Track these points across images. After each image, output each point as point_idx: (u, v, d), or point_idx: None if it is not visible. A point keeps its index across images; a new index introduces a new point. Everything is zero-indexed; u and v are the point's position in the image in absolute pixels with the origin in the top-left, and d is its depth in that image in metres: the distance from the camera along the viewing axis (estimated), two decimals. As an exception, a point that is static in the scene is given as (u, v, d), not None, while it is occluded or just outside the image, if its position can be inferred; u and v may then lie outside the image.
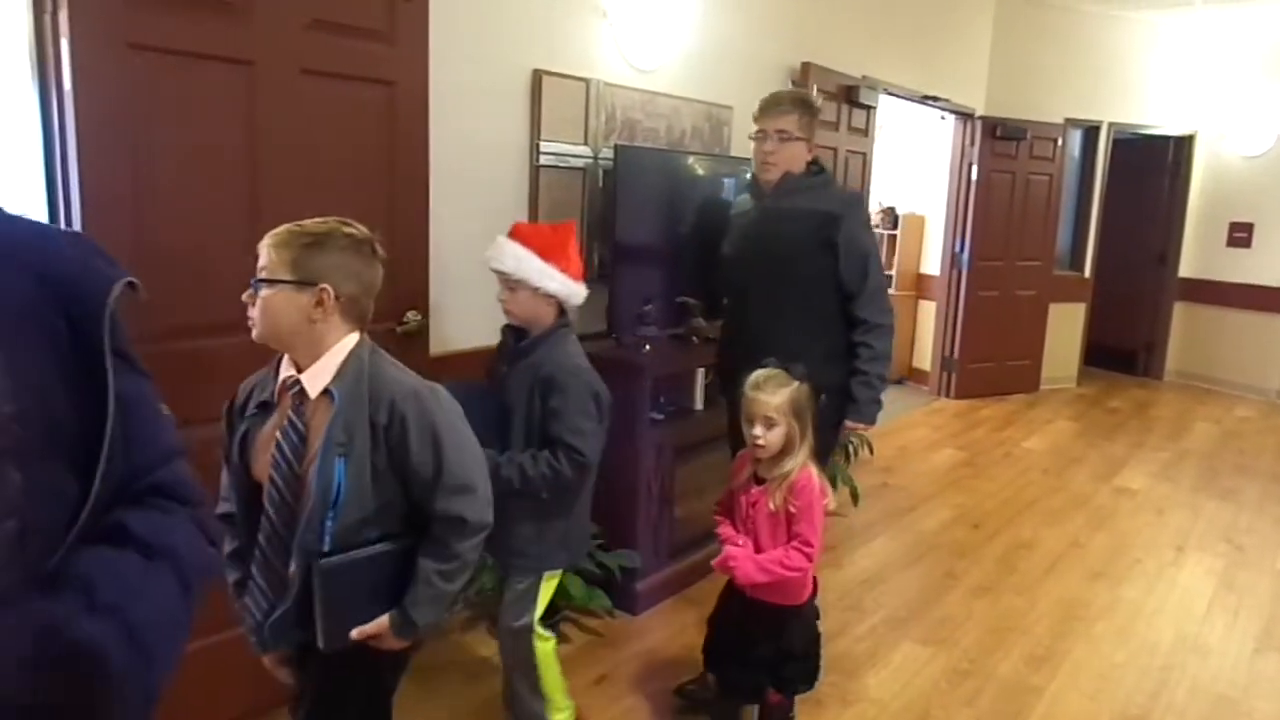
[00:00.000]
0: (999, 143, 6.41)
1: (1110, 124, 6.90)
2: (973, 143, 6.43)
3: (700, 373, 3.37)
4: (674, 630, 3.05)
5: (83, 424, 0.67)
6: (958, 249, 6.60)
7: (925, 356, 6.93)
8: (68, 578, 0.65)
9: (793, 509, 2.09)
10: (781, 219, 2.59)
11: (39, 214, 1.93)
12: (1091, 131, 6.94)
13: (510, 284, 2.10)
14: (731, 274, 2.77)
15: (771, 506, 2.11)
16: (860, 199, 2.80)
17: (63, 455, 0.65)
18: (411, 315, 2.56)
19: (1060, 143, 6.63)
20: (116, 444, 0.69)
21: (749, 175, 2.72)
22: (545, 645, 2.22)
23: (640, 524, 3.12)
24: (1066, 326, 7.11)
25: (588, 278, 2.20)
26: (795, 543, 2.09)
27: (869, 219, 2.66)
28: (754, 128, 2.64)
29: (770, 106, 2.61)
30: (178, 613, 0.75)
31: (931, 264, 6.89)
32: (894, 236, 6.92)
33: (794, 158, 2.60)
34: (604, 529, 3.02)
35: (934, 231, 6.84)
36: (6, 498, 0.61)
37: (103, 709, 0.64)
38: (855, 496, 4.17)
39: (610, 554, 3.00)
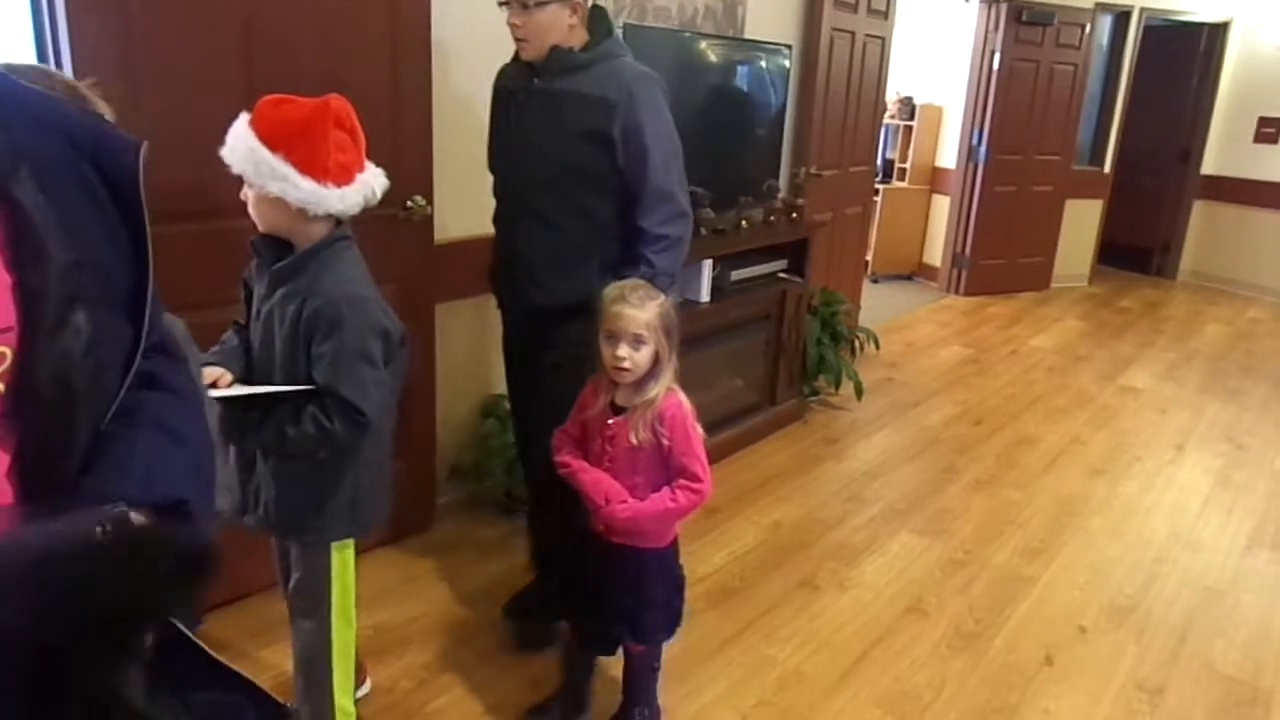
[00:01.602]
0: (1024, 29, 6.15)
1: (1142, 9, 6.59)
2: (996, 29, 6.16)
3: (707, 264, 3.33)
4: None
5: (127, 275, 0.71)
6: (975, 142, 6.42)
7: (936, 253, 6.84)
8: (142, 415, 0.73)
9: (664, 441, 1.79)
10: (549, 105, 2.09)
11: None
12: (1122, 17, 6.65)
13: (247, 181, 1.54)
14: (495, 173, 2.28)
15: (634, 439, 1.78)
16: (649, 78, 2.11)
17: (116, 301, 0.70)
18: (415, 201, 2.51)
19: (1088, 29, 6.36)
20: (156, 292, 0.74)
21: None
22: (346, 634, 1.78)
23: (644, 414, 3.13)
24: (1082, 224, 6.99)
25: (362, 172, 1.59)
26: (682, 480, 1.79)
27: (660, 103, 2.11)
28: None
29: None
30: (214, 448, 0.84)
31: (947, 157, 6.72)
32: (910, 128, 6.73)
33: (551, 27, 2.02)
34: (608, 419, 3.04)
35: (951, 123, 6.64)
36: (82, 339, 0.66)
37: (203, 525, 0.73)
38: (859, 391, 4.18)
39: (614, 443, 3.02)
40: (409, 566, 2.67)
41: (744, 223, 3.51)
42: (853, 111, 4.60)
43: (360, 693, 2.05)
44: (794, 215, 3.79)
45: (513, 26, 2.05)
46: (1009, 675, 2.38)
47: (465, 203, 2.72)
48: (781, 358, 3.85)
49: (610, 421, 1.82)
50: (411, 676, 2.22)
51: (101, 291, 0.69)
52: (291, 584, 1.78)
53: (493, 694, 2.17)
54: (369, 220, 2.36)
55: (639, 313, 1.75)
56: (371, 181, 1.60)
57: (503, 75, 2.24)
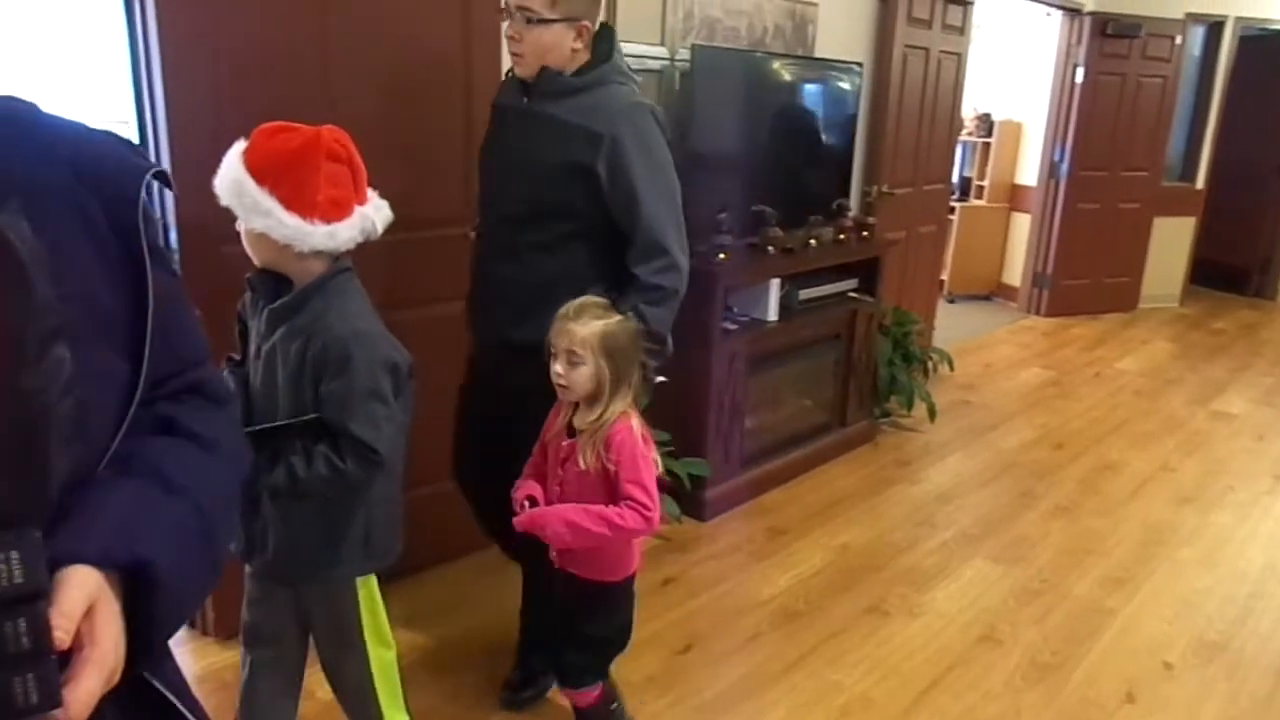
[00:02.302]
0: (1109, 41, 5.97)
1: (1237, 19, 6.33)
2: (1079, 42, 6.00)
3: (775, 283, 3.31)
4: (741, 538, 3.08)
5: (125, 311, 0.68)
6: (1057, 158, 6.24)
7: (1015, 272, 6.65)
8: (136, 461, 0.67)
9: (610, 466, 1.69)
10: (533, 129, 1.92)
11: (129, 123, 2.00)
12: (1215, 28, 6.39)
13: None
14: (481, 192, 2.09)
15: (581, 464, 1.71)
16: (642, 110, 1.93)
17: (109, 339, 0.67)
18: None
19: (1178, 41, 6.13)
20: (158, 331, 0.70)
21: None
22: (387, 654, 1.74)
23: (710, 433, 3.13)
24: (1172, 242, 6.71)
25: (361, 205, 1.51)
26: (627, 502, 1.68)
27: (653, 138, 1.92)
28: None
29: None
30: (231, 500, 0.78)
31: (1028, 174, 6.54)
32: (988, 145, 6.58)
33: (550, 47, 1.85)
34: (674, 436, 3.04)
35: (1032, 140, 6.47)
36: (61, 376, 0.61)
37: (184, 590, 0.67)
38: (932, 412, 4.09)
39: (680, 461, 3.02)
40: (465, 584, 2.70)
41: (813, 241, 3.48)
42: (927, 129, 4.53)
43: None
44: (865, 234, 3.74)
45: (510, 40, 1.88)
46: (1087, 711, 2.28)
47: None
48: (851, 378, 3.79)
49: (564, 443, 1.75)
50: (467, 692, 2.24)
51: (91, 327, 0.65)
52: (318, 628, 1.70)
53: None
54: (439, 240, 2.44)
55: (577, 329, 1.67)
56: (372, 215, 1.52)
57: (501, 90, 2.08)
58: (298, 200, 1.41)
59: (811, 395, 3.67)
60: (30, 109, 0.70)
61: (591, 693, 1.92)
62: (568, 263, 1.93)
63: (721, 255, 3.07)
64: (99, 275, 0.67)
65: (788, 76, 3.54)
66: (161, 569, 0.62)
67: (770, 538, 3.09)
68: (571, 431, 1.76)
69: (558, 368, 1.70)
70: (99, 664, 0.55)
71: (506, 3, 1.86)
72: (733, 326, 3.18)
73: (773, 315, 3.33)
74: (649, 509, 1.67)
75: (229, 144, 1.44)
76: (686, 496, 3.07)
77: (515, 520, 1.74)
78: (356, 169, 1.50)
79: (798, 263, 3.40)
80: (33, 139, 0.67)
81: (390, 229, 1.55)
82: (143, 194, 0.70)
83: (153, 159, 0.78)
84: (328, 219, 1.44)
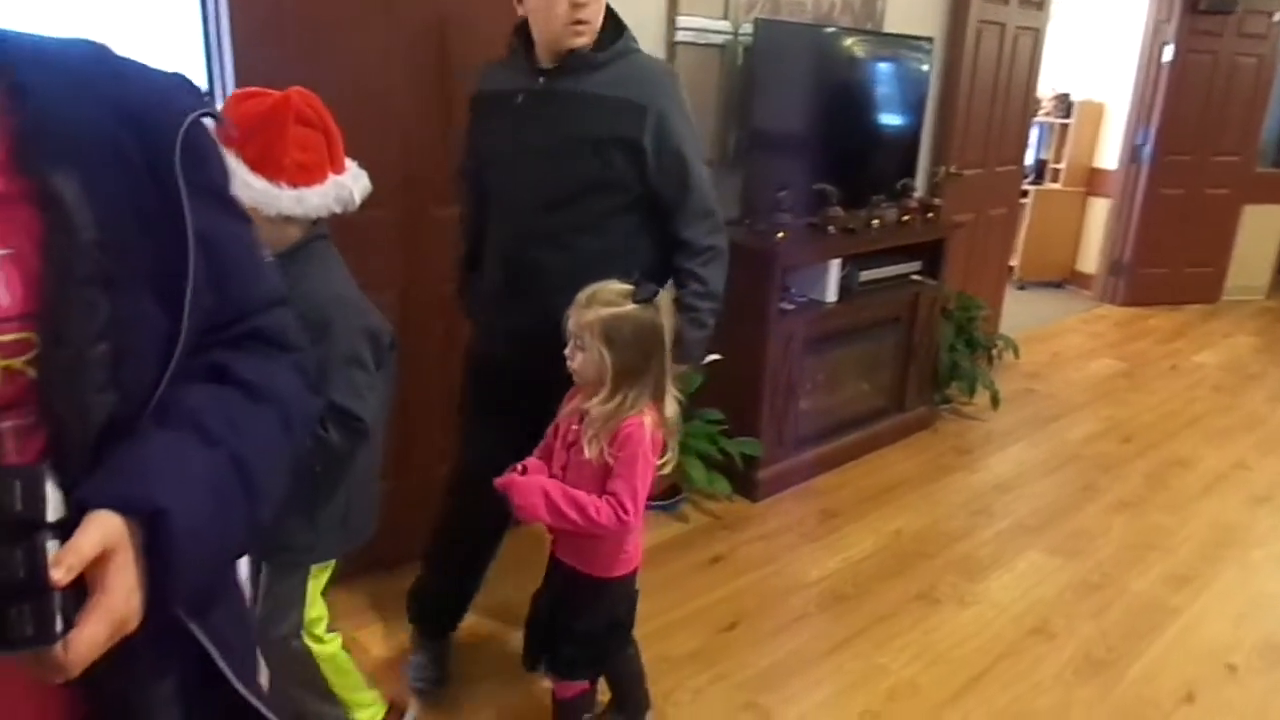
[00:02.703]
0: (1201, 18, 5.69)
1: (1343, -4, 5.97)
2: (1169, 18, 5.73)
3: (835, 264, 3.26)
4: (793, 519, 3.06)
5: (166, 258, 0.66)
6: (1140, 141, 6.00)
7: (1090, 259, 6.43)
8: (176, 410, 0.66)
9: (611, 460, 1.63)
10: (558, 109, 1.83)
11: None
12: (1318, 6, 6.04)
13: None
14: (482, 183, 1.98)
15: (587, 452, 1.64)
16: (675, 76, 1.95)
17: (148, 286, 0.65)
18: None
19: (1276, 19, 5.81)
20: (201, 278, 0.68)
21: (514, 45, 1.90)
22: (327, 647, 1.72)
23: (764, 414, 3.11)
24: (1264, 231, 6.39)
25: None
26: (609, 498, 1.62)
27: (686, 103, 1.90)
28: None
29: None
30: (280, 452, 0.75)
31: (1107, 158, 6.30)
32: (1065, 126, 6.35)
33: (601, 14, 1.82)
34: (727, 415, 3.04)
35: (1113, 121, 6.22)
36: (96, 322, 0.61)
37: (208, 542, 0.65)
38: (995, 400, 3.99)
39: (732, 440, 3.02)
40: (522, 551, 2.73)
41: (876, 222, 3.41)
42: (1000, 108, 4.39)
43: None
44: (930, 215, 3.65)
45: (578, 8, 1.75)
46: (1143, 709, 2.21)
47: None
48: (911, 363, 3.72)
49: (574, 427, 1.69)
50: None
51: (127, 274, 0.64)
52: (261, 611, 1.62)
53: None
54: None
55: (583, 314, 1.62)
56: (349, 184, 1.49)
57: (489, 77, 1.94)
58: (264, 162, 1.40)
59: (869, 378, 3.62)
60: (97, 50, 0.69)
61: (574, 687, 1.87)
62: (608, 241, 1.88)
63: (780, 234, 3.04)
64: (139, 221, 0.65)
65: (855, 52, 3.47)
66: (178, 518, 0.60)
67: (821, 520, 3.07)
68: (584, 416, 1.69)
69: (567, 349, 1.67)
70: (107, 610, 0.55)
71: None
72: (790, 307, 3.15)
73: (831, 296, 3.28)
74: (626, 511, 1.60)
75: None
76: (738, 476, 3.06)
77: (496, 480, 1.66)
78: (331, 135, 1.47)
79: (859, 243, 3.35)
80: (84, 80, 0.66)
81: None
82: (182, 135, 0.67)
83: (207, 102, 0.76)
84: (294, 183, 1.42)
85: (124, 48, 0.71)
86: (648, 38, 2.86)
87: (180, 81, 0.73)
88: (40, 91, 0.63)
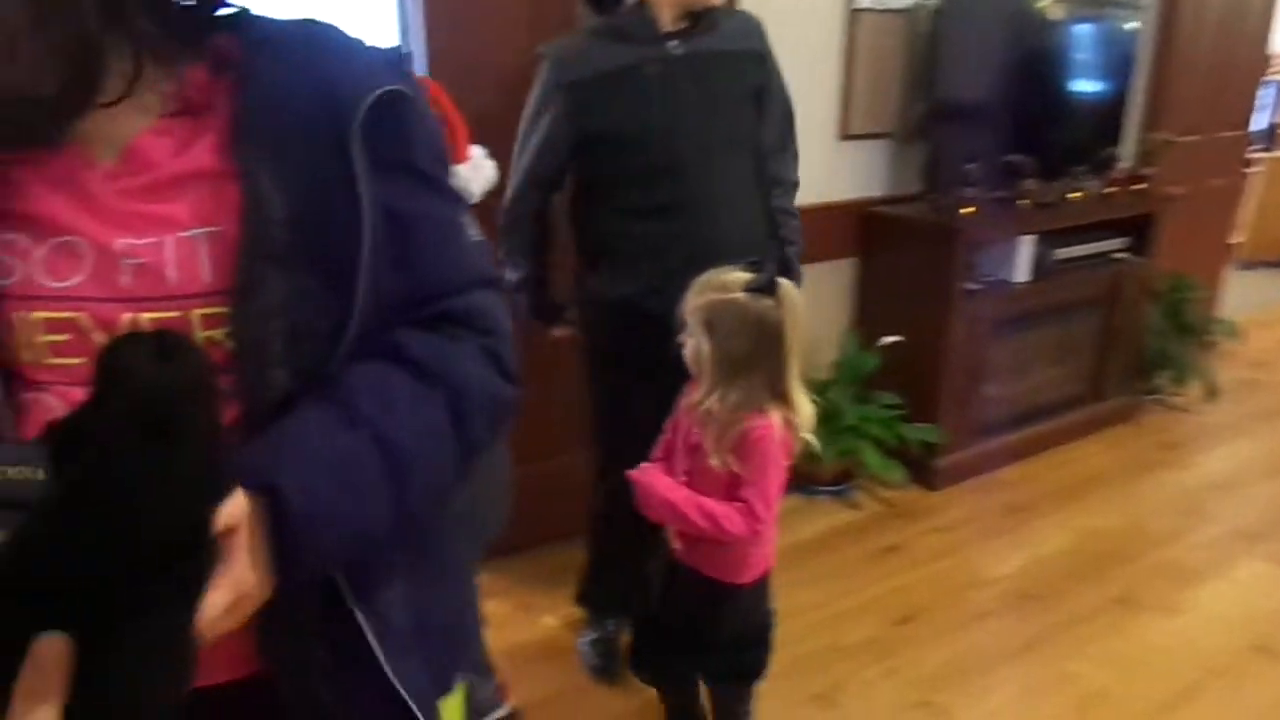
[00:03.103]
0: None
1: None
2: None
3: (1027, 240, 3.04)
4: (972, 511, 2.90)
5: (344, 236, 0.66)
6: (1399, 99, 5.22)
7: (1332, 235, 5.69)
8: (332, 387, 0.66)
9: (739, 469, 1.51)
10: (699, 70, 1.80)
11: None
12: None
13: None
14: (644, 155, 1.83)
15: (713, 462, 1.53)
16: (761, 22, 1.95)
17: (325, 264, 0.65)
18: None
19: None
20: (383, 258, 0.67)
21: (624, 13, 1.82)
22: None
23: (944, 399, 2.96)
24: None
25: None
26: (741, 505, 1.51)
27: None
28: None
29: None
30: (443, 438, 0.71)
31: (1356, 119, 5.53)
32: (1306, 85, 5.63)
33: None
34: (905, 400, 2.91)
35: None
36: (273, 300, 0.63)
37: (331, 523, 0.63)
38: (1211, 391, 3.61)
39: (911, 426, 2.89)
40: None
41: (1074, 195, 3.15)
42: (1223, 67, 3.94)
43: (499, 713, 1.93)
44: (1138, 187, 3.34)
45: None
46: (1391, 745, 1.95)
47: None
48: (1112, 349, 3.42)
49: (695, 430, 1.58)
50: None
51: (306, 252, 0.64)
52: None
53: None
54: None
55: (691, 299, 1.54)
56: (467, 174, 1.49)
57: (585, 58, 1.80)
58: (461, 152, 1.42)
59: (1063, 365, 3.36)
60: (321, 31, 0.71)
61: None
62: (756, 200, 1.93)
63: (967, 208, 2.87)
64: (318, 196, 0.65)
65: (1054, 12, 3.20)
66: (293, 497, 0.60)
67: (1006, 514, 2.89)
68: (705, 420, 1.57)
69: (680, 338, 1.59)
70: (230, 581, 0.55)
71: None
72: (976, 286, 2.96)
73: (1022, 275, 3.07)
74: (760, 520, 1.50)
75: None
76: (915, 464, 2.94)
77: (630, 473, 1.59)
78: (453, 125, 1.49)
79: (1055, 218, 3.10)
80: (301, 63, 0.67)
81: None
82: (366, 108, 0.66)
83: (413, 81, 0.75)
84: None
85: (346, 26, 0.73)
86: (824, 4, 2.77)
87: (387, 57, 0.73)
88: (262, 78, 0.66)
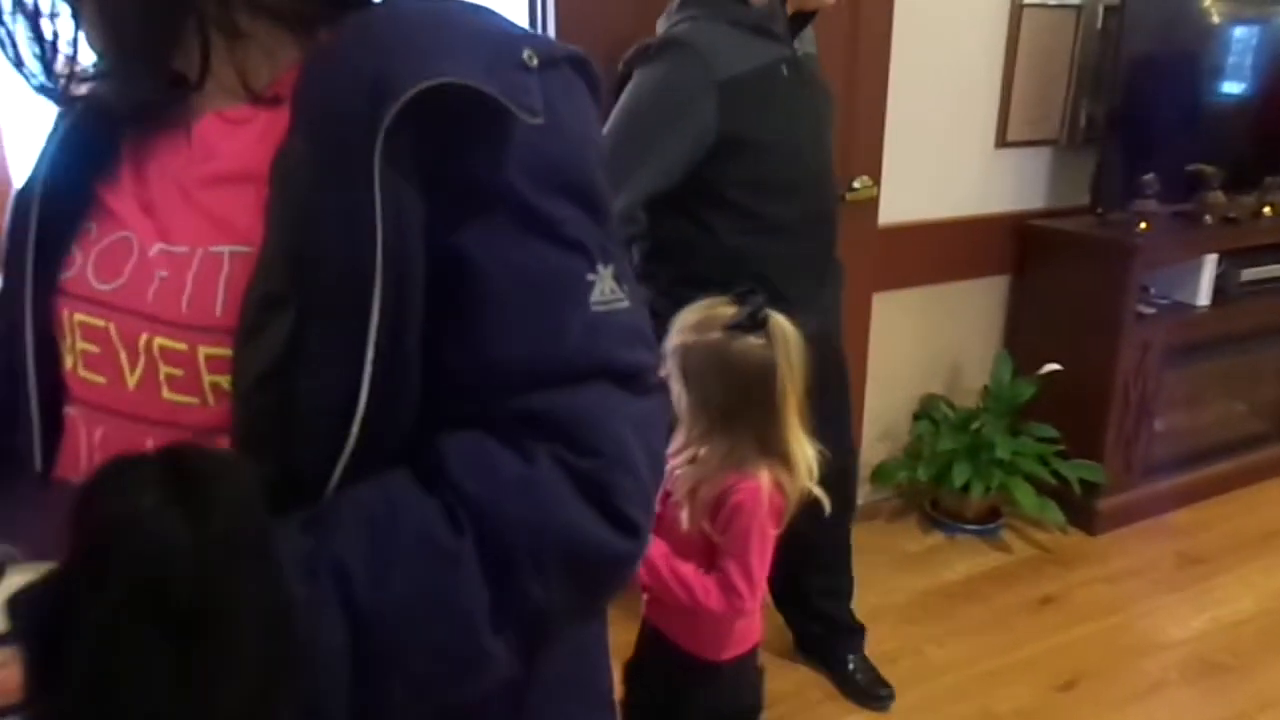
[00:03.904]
0: None
1: None
2: None
3: (1210, 260, 2.72)
4: (1140, 561, 2.60)
5: (356, 274, 0.49)
6: None
7: None
8: (324, 514, 0.49)
9: (715, 536, 1.29)
10: (814, 76, 1.72)
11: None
12: None
13: None
14: (784, 163, 1.64)
15: (684, 524, 1.30)
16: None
17: (347, 319, 0.49)
18: (862, 181, 2.35)
19: None
20: (408, 318, 0.50)
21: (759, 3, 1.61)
22: None
23: (1110, 434, 2.67)
24: None
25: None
26: (719, 576, 1.29)
27: None
28: None
29: None
30: (458, 617, 0.49)
31: None
32: None
33: None
34: (1063, 433, 2.64)
35: None
36: (271, 355, 0.49)
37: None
38: None
39: (1069, 463, 2.62)
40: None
41: (1267, 209, 2.81)
42: None
43: None
44: (1344, 200, 2.94)
45: None
46: None
47: (914, 182, 2.51)
48: (1306, 381, 3.04)
49: (675, 473, 1.33)
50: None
51: (313, 296, 0.49)
52: None
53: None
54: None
55: (670, 338, 1.30)
56: None
57: (725, 57, 1.56)
58: None
59: (1247, 398, 3.00)
60: (440, 9, 0.57)
61: None
62: None
63: (1142, 224, 2.58)
64: (342, 222, 0.49)
65: (1251, 10, 2.86)
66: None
67: (1180, 566, 2.58)
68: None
69: None
70: None
71: None
72: (1149, 310, 2.67)
73: (1203, 299, 2.75)
74: (740, 598, 1.28)
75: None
76: (1074, 504, 2.65)
77: None
78: None
79: (1243, 235, 2.76)
80: (369, 40, 0.53)
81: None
82: (393, 110, 0.49)
83: (521, 78, 0.53)
84: None
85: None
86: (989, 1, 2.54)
87: (497, 42, 0.54)
88: (323, 66, 0.54)
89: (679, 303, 1.60)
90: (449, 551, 0.48)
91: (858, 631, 2.10)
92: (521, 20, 2.02)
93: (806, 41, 1.73)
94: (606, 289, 0.55)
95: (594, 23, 1.96)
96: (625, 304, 0.56)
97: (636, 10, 1.95)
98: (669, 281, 1.63)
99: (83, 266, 0.57)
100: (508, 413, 0.51)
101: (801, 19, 1.68)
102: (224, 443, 0.51)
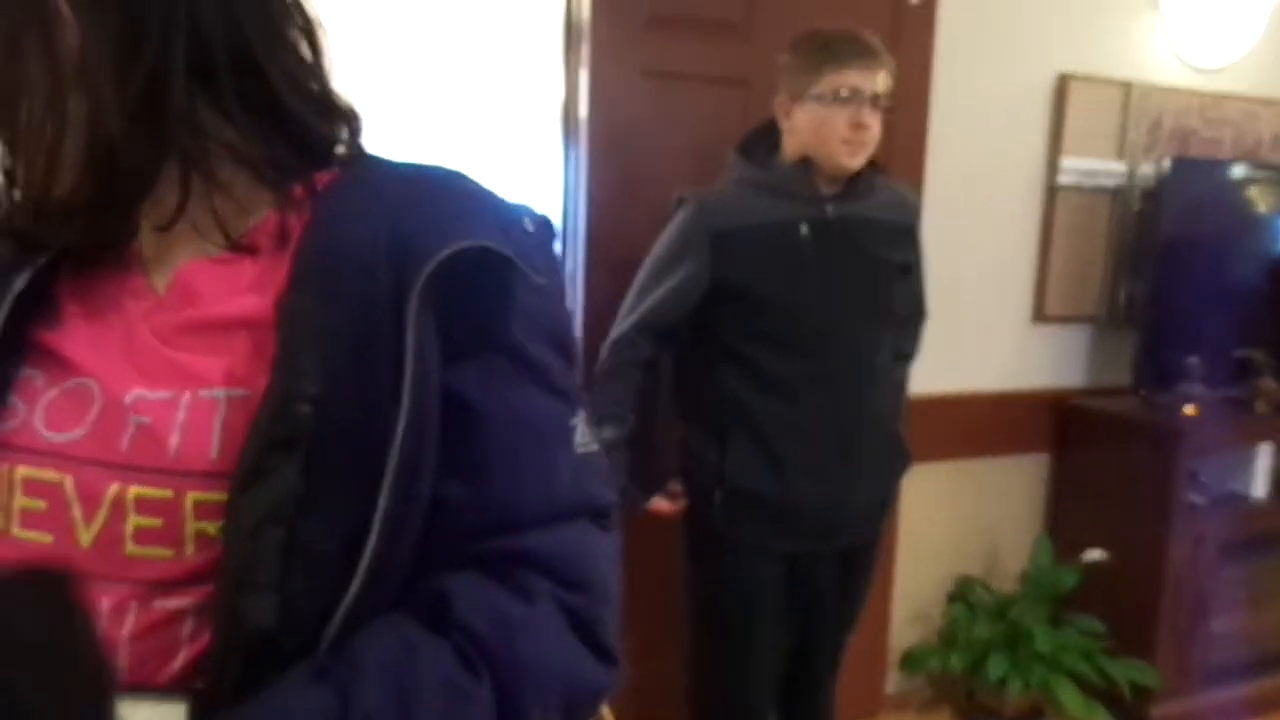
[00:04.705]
0: None
1: None
2: None
3: (1266, 449, 2.59)
4: (1203, 781, 2.34)
5: (389, 428, 0.52)
6: None
7: None
8: (340, 662, 0.49)
9: None
10: (854, 238, 1.67)
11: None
12: None
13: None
14: (789, 319, 1.65)
15: None
16: (918, 200, 1.93)
17: (357, 464, 0.51)
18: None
19: None
20: (420, 460, 0.52)
21: (778, 167, 1.68)
22: None
23: (1162, 633, 2.47)
24: None
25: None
26: None
27: None
28: (823, 82, 1.58)
29: (869, 53, 1.59)
30: None
31: None
32: None
33: (879, 134, 1.65)
34: (1110, 628, 2.45)
35: None
36: (274, 499, 0.49)
37: None
38: None
39: (1117, 662, 2.41)
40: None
41: (1323, 399, 2.69)
42: None
43: None
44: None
45: (856, 129, 1.58)
46: None
47: (948, 353, 2.45)
48: (1377, 585, 2.81)
49: None
50: None
51: (326, 441, 0.50)
52: None
53: None
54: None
55: None
56: None
57: (730, 210, 1.66)
58: None
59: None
60: (431, 174, 0.60)
61: None
62: (893, 371, 1.83)
63: (1188, 408, 2.47)
64: (360, 370, 0.52)
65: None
66: None
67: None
68: None
69: None
70: None
71: (860, 88, 1.57)
72: (1201, 500, 2.52)
73: (1260, 491, 2.60)
74: None
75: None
76: (1124, 708, 2.42)
77: None
78: None
79: (1300, 425, 2.64)
80: (379, 201, 0.56)
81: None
82: (435, 264, 0.52)
83: (527, 241, 0.59)
84: None
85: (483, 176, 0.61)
86: (1023, 179, 2.57)
87: (501, 213, 0.59)
88: (331, 222, 0.55)
89: (687, 441, 1.80)
90: (469, 695, 0.50)
91: None
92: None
93: (872, 206, 1.69)
94: (584, 433, 0.60)
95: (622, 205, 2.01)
96: (596, 446, 0.61)
97: (661, 189, 2.01)
98: (685, 421, 1.80)
99: (28, 417, 0.54)
100: (504, 551, 0.54)
101: (853, 181, 1.67)
102: (196, 593, 0.51)
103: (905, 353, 1.90)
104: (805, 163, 1.63)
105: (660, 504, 1.78)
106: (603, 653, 0.56)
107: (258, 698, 0.48)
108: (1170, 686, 2.48)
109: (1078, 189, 2.61)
